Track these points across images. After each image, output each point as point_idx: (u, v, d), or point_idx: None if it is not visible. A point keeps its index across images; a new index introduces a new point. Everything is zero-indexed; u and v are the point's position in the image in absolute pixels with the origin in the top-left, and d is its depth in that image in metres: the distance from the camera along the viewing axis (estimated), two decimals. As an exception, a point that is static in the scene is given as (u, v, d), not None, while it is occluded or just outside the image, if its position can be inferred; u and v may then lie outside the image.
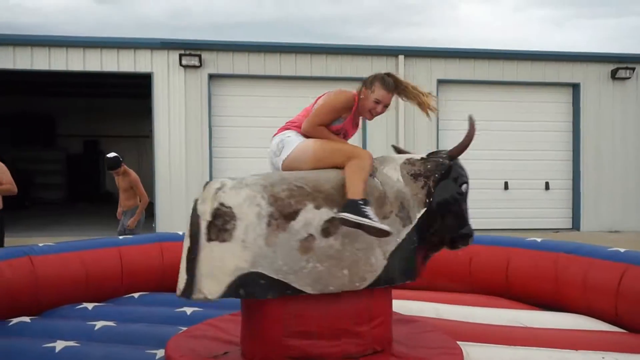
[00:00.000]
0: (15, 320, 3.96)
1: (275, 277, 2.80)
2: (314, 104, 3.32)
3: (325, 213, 2.91)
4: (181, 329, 3.68)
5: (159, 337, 3.62)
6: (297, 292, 2.84)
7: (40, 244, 4.74)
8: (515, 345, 3.58)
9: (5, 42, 11.13)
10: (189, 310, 4.24)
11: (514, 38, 41.71)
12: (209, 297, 2.81)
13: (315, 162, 3.11)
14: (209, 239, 2.83)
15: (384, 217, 3.01)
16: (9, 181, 6.07)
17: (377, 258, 2.97)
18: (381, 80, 3.20)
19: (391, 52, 12.16)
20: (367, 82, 3.23)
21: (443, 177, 3.18)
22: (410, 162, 3.25)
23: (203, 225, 2.85)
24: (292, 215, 2.86)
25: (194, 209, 2.93)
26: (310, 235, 2.88)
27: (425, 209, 3.15)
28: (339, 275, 2.90)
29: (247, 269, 2.78)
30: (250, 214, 2.82)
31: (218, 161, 11.62)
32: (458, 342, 3.39)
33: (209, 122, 11.49)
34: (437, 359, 3.09)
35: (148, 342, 3.53)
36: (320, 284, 2.87)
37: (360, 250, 2.95)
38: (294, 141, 3.20)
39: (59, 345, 3.40)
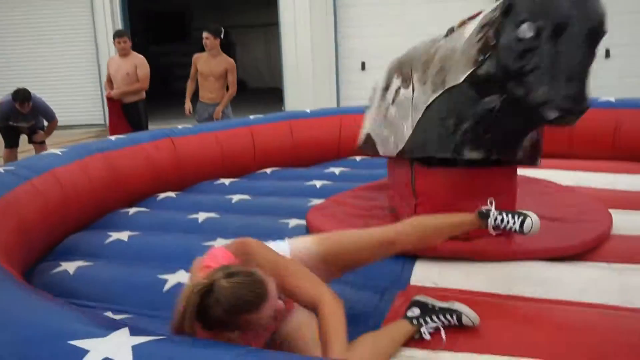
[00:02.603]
0: (162, 195, 4.29)
1: (373, 138, 3.46)
2: None
3: (396, 83, 3.14)
4: (312, 201, 3.80)
5: (290, 208, 3.77)
6: (376, 153, 3.42)
7: (179, 126, 5.02)
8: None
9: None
10: (318, 183, 4.35)
11: None
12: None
13: None
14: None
15: (423, 83, 2.73)
16: (145, 76, 6.44)
17: (407, 127, 2.83)
18: None
19: None
20: None
21: (504, 22, 2.23)
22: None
23: None
24: (387, 86, 3.27)
25: None
26: (389, 103, 3.18)
27: (472, 69, 2.36)
28: (390, 141, 3.12)
29: (367, 131, 3.59)
30: (379, 85, 3.48)
31: (345, 42, 11.42)
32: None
33: (333, 3, 11.21)
34: (586, 217, 3.01)
35: (281, 213, 3.68)
36: (383, 147, 3.29)
37: (402, 118, 2.92)
38: None
39: (201, 216, 3.65)
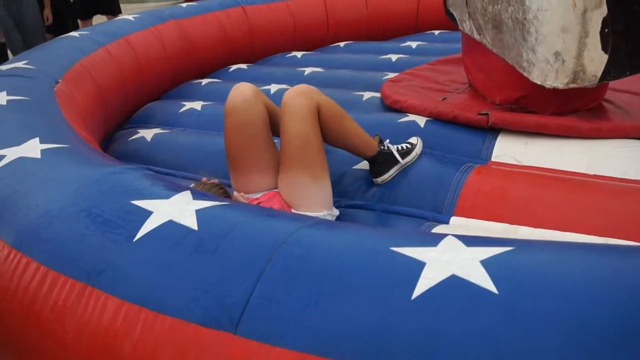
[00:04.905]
0: (234, 67, 4.24)
1: None
2: None
3: None
4: (387, 75, 3.65)
5: (365, 81, 3.64)
6: None
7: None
8: None
9: None
10: (394, 57, 4.16)
11: None
12: None
13: None
14: None
15: None
16: None
17: None
18: None
19: None
20: None
21: None
22: None
23: None
24: None
25: None
26: None
27: None
28: None
29: None
30: None
31: None
32: None
33: None
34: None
35: (355, 86, 3.57)
36: None
37: None
38: None
39: (273, 87, 3.58)
